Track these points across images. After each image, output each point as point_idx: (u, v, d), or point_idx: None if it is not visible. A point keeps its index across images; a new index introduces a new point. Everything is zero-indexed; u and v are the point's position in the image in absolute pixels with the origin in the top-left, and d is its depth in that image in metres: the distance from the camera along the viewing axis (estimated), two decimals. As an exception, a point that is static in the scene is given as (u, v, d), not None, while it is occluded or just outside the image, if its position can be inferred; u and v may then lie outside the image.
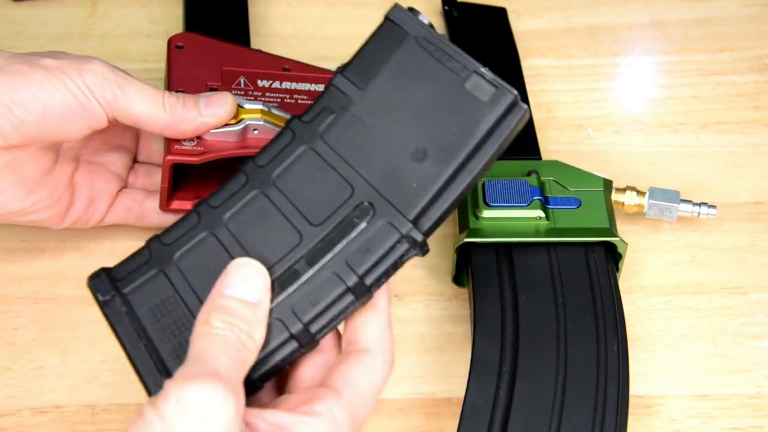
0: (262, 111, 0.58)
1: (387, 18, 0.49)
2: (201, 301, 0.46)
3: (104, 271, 0.49)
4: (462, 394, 0.52)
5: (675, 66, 0.75)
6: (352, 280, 0.45)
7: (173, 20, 0.77)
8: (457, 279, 0.61)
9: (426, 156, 0.46)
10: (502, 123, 0.46)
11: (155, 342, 0.46)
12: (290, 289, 0.46)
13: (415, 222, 0.45)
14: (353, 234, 0.46)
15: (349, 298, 0.45)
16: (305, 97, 0.64)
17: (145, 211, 0.62)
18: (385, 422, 0.56)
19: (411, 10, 0.49)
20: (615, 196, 0.62)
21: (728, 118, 0.71)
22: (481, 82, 0.46)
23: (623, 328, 0.55)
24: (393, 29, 0.49)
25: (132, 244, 0.63)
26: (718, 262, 0.63)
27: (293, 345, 0.45)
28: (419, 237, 0.45)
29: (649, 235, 0.64)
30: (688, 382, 0.57)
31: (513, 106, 0.46)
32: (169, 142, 0.57)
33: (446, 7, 0.76)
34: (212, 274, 0.46)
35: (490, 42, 0.73)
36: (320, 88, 0.64)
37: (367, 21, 0.77)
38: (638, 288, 0.62)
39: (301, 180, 0.48)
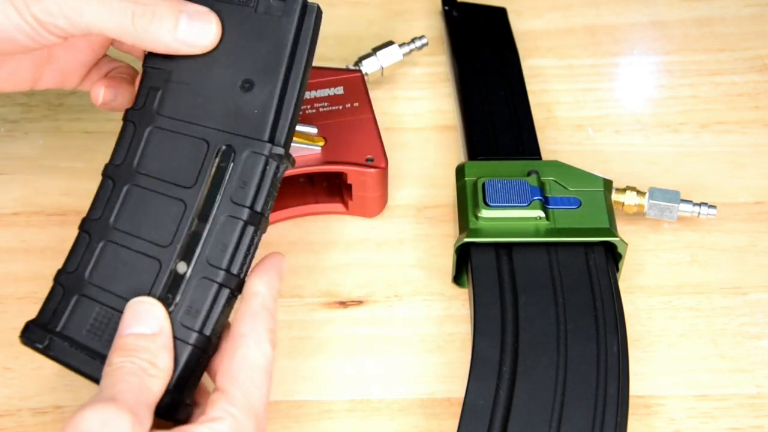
0: None
1: None
2: (127, 300, 0.48)
3: (31, 323, 0.50)
4: (462, 394, 0.52)
5: (675, 66, 0.75)
6: (245, 214, 0.48)
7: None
8: (457, 279, 0.61)
9: (253, 84, 0.49)
10: (303, 26, 0.50)
11: (107, 355, 0.47)
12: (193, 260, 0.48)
13: (272, 140, 0.49)
14: (226, 177, 0.48)
15: (250, 231, 0.48)
16: (326, 104, 0.65)
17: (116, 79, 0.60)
18: (385, 422, 0.56)
19: None
20: (615, 196, 0.62)
21: (728, 118, 0.71)
22: (269, 2, 0.50)
23: (623, 328, 0.55)
24: None
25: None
26: (718, 262, 0.63)
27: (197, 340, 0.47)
28: (281, 150, 0.49)
29: (649, 235, 0.64)
30: (688, 382, 0.57)
31: (305, 8, 0.50)
32: None
33: (446, 7, 0.76)
34: (126, 273, 0.48)
35: (490, 42, 0.73)
36: (339, 91, 0.65)
37: (367, 21, 0.78)
38: (638, 288, 0.62)
39: (160, 157, 0.50)
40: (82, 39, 0.59)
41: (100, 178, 0.66)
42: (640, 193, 0.63)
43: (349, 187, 0.63)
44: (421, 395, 0.57)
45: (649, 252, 0.63)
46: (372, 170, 0.62)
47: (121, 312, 0.48)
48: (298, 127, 0.62)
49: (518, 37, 0.75)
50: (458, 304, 0.61)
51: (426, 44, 0.72)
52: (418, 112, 0.72)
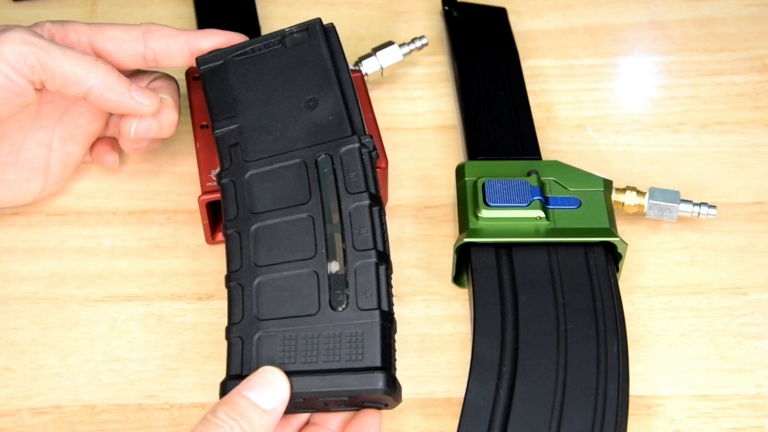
0: None
1: (200, 73, 0.58)
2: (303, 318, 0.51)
3: (226, 381, 0.50)
4: (462, 394, 0.52)
5: (675, 66, 0.75)
6: (366, 198, 0.52)
7: (174, 20, 0.77)
8: (457, 279, 0.61)
9: (316, 101, 0.56)
10: (330, 40, 0.58)
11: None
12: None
13: (354, 132, 0.54)
14: (336, 178, 0.53)
15: (376, 210, 0.52)
16: None
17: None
18: (385, 422, 0.55)
19: (210, 54, 0.59)
20: (615, 196, 0.62)
21: (728, 118, 0.71)
22: (293, 36, 0.58)
23: (623, 328, 0.55)
24: (212, 73, 0.58)
25: (134, 244, 0.64)
26: (718, 262, 0.63)
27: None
28: (366, 137, 0.54)
29: (649, 235, 0.64)
30: (688, 382, 0.57)
31: (321, 25, 0.59)
32: (201, 179, 0.59)
33: (446, 7, 0.76)
34: (291, 296, 0.51)
35: (490, 42, 0.73)
36: None
37: (367, 21, 0.78)
38: (638, 288, 0.62)
39: (269, 192, 0.54)
40: (77, 129, 0.62)
41: (98, 177, 0.67)
42: (640, 193, 0.63)
43: (350, 187, 0.63)
44: (421, 395, 0.57)
45: (649, 252, 0.63)
46: None
47: (301, 332, 0.50)
48: None
49: (518, 37, 0.74)
50: (458, 304, 0.61)
51: (426, 44, 0.72)
52: (418, 112, 0.72)
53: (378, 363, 0.49)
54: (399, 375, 0.57)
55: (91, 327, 0.60)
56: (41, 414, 0.56)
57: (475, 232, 0.58)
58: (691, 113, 0.72)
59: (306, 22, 0.58)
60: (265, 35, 0.59)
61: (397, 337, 0.59)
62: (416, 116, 0.72)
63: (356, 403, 0.50)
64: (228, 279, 0.52)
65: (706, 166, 0.68)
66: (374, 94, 0.70)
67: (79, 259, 0.63)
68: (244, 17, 0.75)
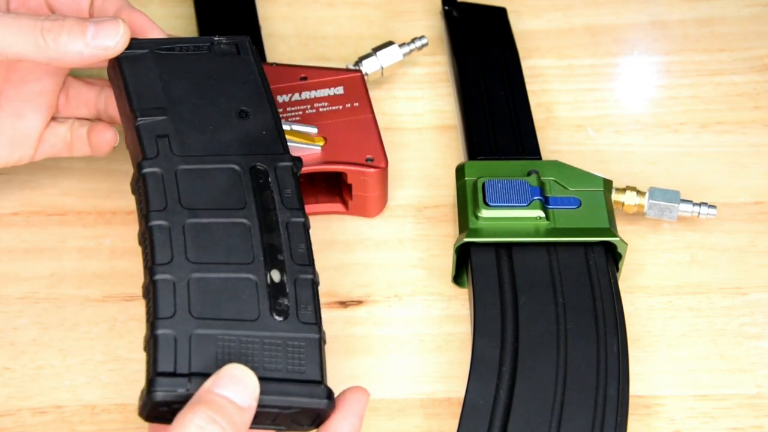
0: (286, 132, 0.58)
1: (118, 57, 0.56)
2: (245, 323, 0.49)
3: (156, 377, 0.48)
4: (462, 394, 0.52)
5: (675, 66, 0.75)
6: (301, 215, 0.52)
7: (173, 20, 0.77)
8: (457, 279, 0.61)
9: (248, 113, 0.55)
10: (256, 58, 0.58)
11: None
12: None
13: (286, 151, 0.54)
14: (272, 190, 0.53)
15: (308, 228, 0.52)
16: (326, 104, 0.65)
17: (76, 141, 0.61)
18: (385, 422, 0.56)
19: (133, 39, 0.56)
20: (615, 196, 0.62)
21: (728, 118, 0.71)
22: (221, 46, 0.58)
23: (623, 328, 0.55)
24: (134, 59, 0.56)
25: (134, 244, 0.63)
26: (718, 262, 0.63)
27: None
28: (297, 160, 0.54)
29: (649, 235, 0.64)
30: (688, 382, 0.57)
31: (252, 44, 0.58)
32: None
33: (446, 7, 0.76)
34: (229, 298, 0.50)
35: (490, 42, 0.73)
36: (339, 91, 0.66)
37: (367, 21, 0.78)
38: (638, 288, 0.62)
39: (202, 191, 0.53)
40: (25, 102, 0.59)
41: (98, 177, 0.67)
42: (640, 193, 0.63)
43: (349, 187, 0.63)
44: (421, 395, 0.57)
45: (649, 252, 0.63)
46: (372, 170, 0.62)
47: (241, 336, 0.48)
48: (299, 127, 0.63)
49: (518, 37, 0.74)
50: (458, 304, 0.61)
51: (426, 44, 0.72)
52: (418, 112, 0.72)
53: (319, 377, 0.48)
54: (399, 375, 0.58)
55: (91, 327, 0.60)
56: (41, 414, 0.56)
57: (475, 232, 0.58)
58: (691, 113, 0.71)
59: (235, 36, 0.58)
60: (192, 38, 0.59)
61: (397, 337, 0.59)
62: (416, 116, 0.72)
63: (284, 418, 0.49)
64: (152, 271, 0.50)
65: (706, 166, 0.68)
66: (374, 94, 0.70)
67: (79, 259, 0.63)
68: (244, 17, 0.75)
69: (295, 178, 0.53)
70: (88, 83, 0.63)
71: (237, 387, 0.45)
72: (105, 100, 0.62)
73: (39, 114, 0.60)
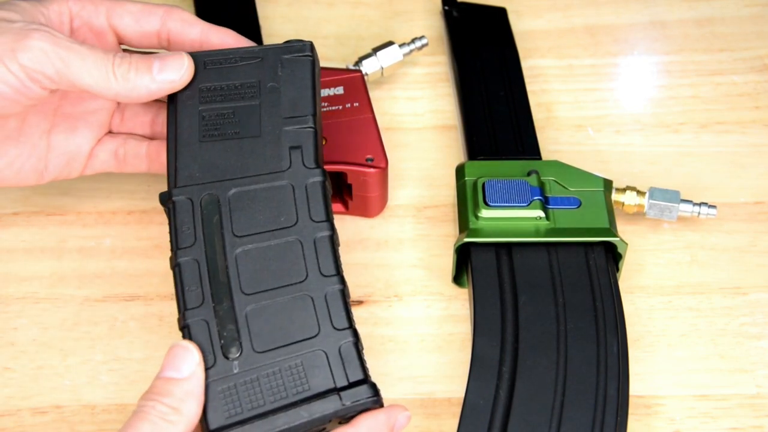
0: None
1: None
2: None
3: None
4: (462, 394, 0.52)
5: (675, 66, 0.75)
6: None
7: (173, 20, 0.77)
8: (457, 279, 0.61)
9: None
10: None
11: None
12: None
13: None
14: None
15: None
16: (326, 104, 0.65)
17: (131, 158, 0.61)
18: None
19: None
20: (615, 196, 0.62)
21: (728, 118, 0.71)
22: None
23: (623, 328, 0.55)
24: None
25: (134, 244, 0.64)
26: (718, 262, 0.63)
27: None
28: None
29: (649, 235, 0.64)
30: (688, 382, 0.57)
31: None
32: None
33: (446, 7, 0.76)
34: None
35: (490, 42, 0.73)
36: (339, 91, 0.67)
37: (367, 21, 0.78)
38: (638, 288, 0.62)
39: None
40: (79, 119, 0.60)
41: (99, 177, 0.67)
42: (640, 193, 0.63)
43: (349, 187, 0.63)
44: (421, 395, 0.57)
45: (649, 252, 0.63)
46: (372, 170, 0.62)
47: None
48: None
49: (518, 37, 0.74)
50: (458, 304, 0.61)
51: (426, 44, 0.72)
52: (418, 112, 0.72)
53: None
54: (399, 375, 0.58)
55: (91, 327, 0.60)
56: (41, 414, 0.56)
57: (475, 232, 0.58)
58: (691, 113, 0.72)
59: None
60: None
61: (397, 337, 0.59)
62: (416, 116, 0.72)
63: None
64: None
65: (706, 166, 0.68)
66: (374, 94, 0.70)
67: (79, 259, 0.63)
68: (244, 17, 0.75)
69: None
70: (144, 105, 0.62)
71: (174, 363, 0.48)
72: (161, 123, 0.62)
73: (91, 131, 0.61)
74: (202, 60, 0.56)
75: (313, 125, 0.54)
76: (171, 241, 0.52)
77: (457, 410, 0.52)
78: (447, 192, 0.66)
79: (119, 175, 0.67)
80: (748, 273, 0.62)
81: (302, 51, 0.56)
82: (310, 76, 0.55)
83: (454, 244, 0.59)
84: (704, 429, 0.55)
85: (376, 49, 0.70)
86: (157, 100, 0.60)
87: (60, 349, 0.59)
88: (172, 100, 0.55)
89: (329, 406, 0.48)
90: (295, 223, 0.52)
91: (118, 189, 0.66)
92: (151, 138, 0.62)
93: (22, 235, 0.64)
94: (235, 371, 0.49)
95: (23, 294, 0.61)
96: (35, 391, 0.57)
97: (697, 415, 0.56)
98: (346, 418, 0.49)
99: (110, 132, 0.62)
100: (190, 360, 0.48)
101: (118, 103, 0.62)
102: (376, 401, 0.49)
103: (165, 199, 0.53)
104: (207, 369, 0.49)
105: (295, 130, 0.54)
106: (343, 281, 0.51)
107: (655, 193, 0.63)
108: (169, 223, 0.52)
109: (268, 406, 0.48)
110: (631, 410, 0.53)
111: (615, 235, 0.58)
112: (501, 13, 0.76)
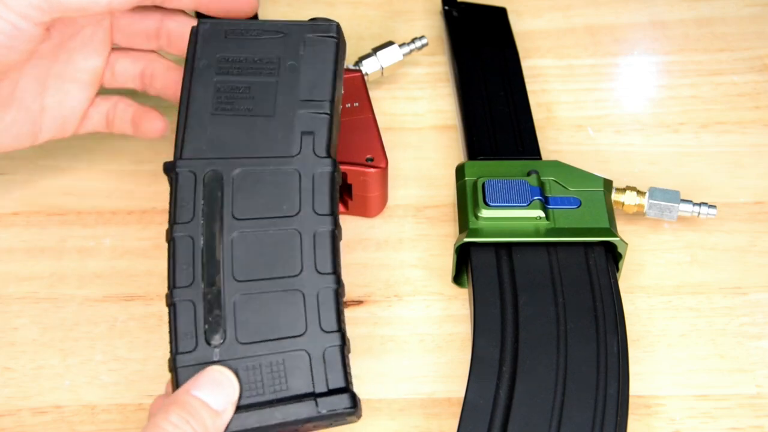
0: None
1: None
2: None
3: None
4: (462, 394, 0.52)
5: (675, 66, 0.75)
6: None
7: (173, 20, 0.77)
8: (457, 279, 0.61)
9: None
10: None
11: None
12: None
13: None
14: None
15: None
16: None
17: (118, 121, 0.61)
18: (385, 422, 0.56)
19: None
20: (615, 196, 0.62)
21: (728, 118, 0.71)
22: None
23: (623, 328, 0.55)
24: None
25: (134, 244, 0.64)
26: (718, 262, 0.63)
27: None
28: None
29: (649, 235, 0.64)
30: (688, 382, 0.57)
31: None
32: None
33: (446, 7, 0.76)
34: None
35: (490, 42, 0.73)
36: None
37: (367, 21, 0.78)
38: (638, 288, 0.62)
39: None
40: (70, 80, 0.60)
41: (99, 177, 0.67)
42: (640, 193, 0.63)
43: (349, 187, 0.63)
44: (421, 395, 0.57)
45: (649, 252, 0.63)
46: (372, 170, 0.62)
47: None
48: None
49: (518, 37, 0.75)
50: (458, 304, 0.61)
51: (426, 44, 0.72)
52: (418, 112, 0.72)
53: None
54: (399, 375, 0.58)
55: (91, 327, 0.60)
56: (41, 414, 0.56)
57: (475, 232, 0.58)
58: (691, 113, 0.72)
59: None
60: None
61: (396, 337, 0.59)
62: (416, 116, 0.72)
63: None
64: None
65: (706, 166, 0.68)
66: (374, 94, 0.70)
67: (79, 259, 0.63)
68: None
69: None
70: (133, 58, 0.62)
71: (213, 389, 0.45)
72: (151, 75, 0.62)
73: (84, 92, 0.60)
74: (223, 29, 0.54)
75: (329, 112, 0.52)
76: (169, 213, 0.50)
77: (457, 410, 0.52)
78: (447, 192, 0.66)
79: (119, 174, 0.67)
80: (748, 273, 0.62)
81: (328, 31, 0.54)
82: (333, 58, 0.53)
83: (454, 244, 0.59)
84: (704, 429, 0.55)
85: (376, 49, 0.70)
86: (146, 51, 0.61)
87: (60, 349, 0.59)
88: (188, 67, 0.54)
89: (303, 411, 0.46)
90: (297, 213, 0.50)
91: (118, 189, 0.66)
92: (142, 91, 0.62)
93: (22, 235, 0.64)
94: (215, 359, 0.47)
95: (23, 294, 0.61)
96: (35, 391, 0.57)
97: (697, 415, 0.56)
98: (320, 426, 0.48)
99: (102, 93, 0.62)
100: (230, 395, 0.46)
101: (108, 61, 0.61)
102: (352, 413, 0.47)
103: (169, 169, 0.51)
104: (186, 353, 0.47)
105: (310, 114, 0.52)
106: (338, 281, 0.50)
107: (655, 193, 0.63)
108: (170, 195, 0.51)
109: (243, 401, 0.46)
110: (631, 410, 0.53)
111: (615, 235, 0.58)
112: (501, 13, 0.76)
